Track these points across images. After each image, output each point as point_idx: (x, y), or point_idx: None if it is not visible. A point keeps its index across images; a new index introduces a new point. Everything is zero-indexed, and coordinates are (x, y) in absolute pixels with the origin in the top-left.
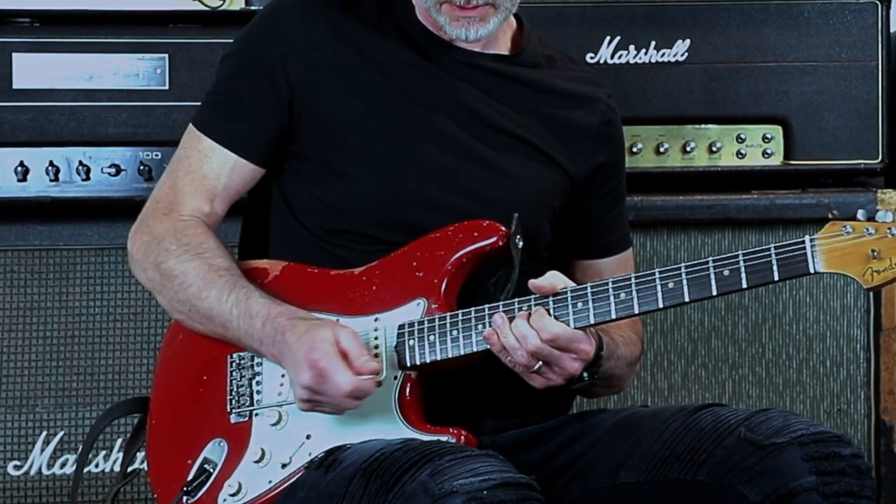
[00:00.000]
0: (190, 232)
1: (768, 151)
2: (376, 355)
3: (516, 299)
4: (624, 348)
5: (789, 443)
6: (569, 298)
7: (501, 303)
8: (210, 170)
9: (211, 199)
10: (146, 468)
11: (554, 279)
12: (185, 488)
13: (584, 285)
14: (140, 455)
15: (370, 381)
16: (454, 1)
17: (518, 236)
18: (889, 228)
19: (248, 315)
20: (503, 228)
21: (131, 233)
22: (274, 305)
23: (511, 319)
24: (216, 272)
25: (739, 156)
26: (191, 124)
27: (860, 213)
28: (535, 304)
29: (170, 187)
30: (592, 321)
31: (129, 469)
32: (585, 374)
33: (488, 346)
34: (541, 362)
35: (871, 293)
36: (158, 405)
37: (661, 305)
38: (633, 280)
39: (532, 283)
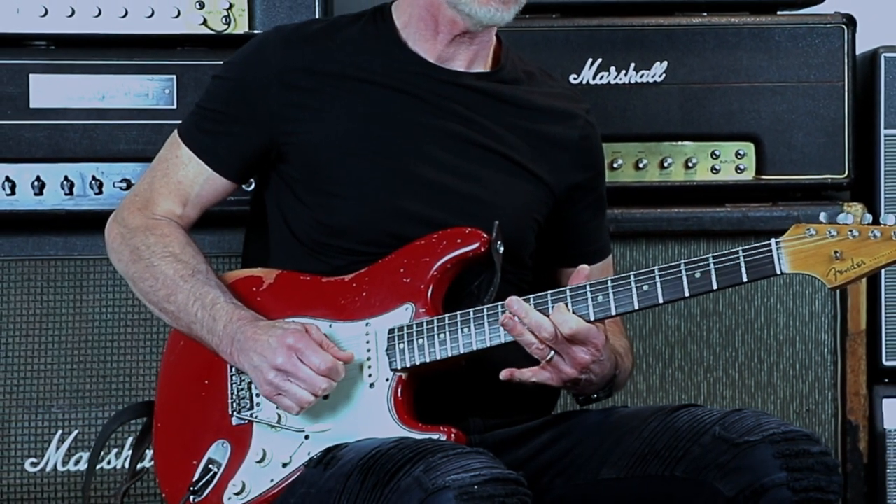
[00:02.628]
0: (159, 231)
1: (741, 167)
2: (368, 359)
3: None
4: (626, 359)
5: (761, 441)
6: (549, 300)
7: (486, 306)
8: (185, 177)
9: (183, 204)
10: (153, 465)
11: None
12: (191, 488)
13: (563, 288)
14: (148, 454)
15: (342, 366)
16: None
17: (499, 242)
18: (850, 230)
19: (212, 318)
20: (485, 235)
21: (109, 220)
22: (238, 310)
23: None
24: (183, 277)
25: (714, 171)
26: (176, 130)
27: (822, 216)
28: (537, 301)
29: (148, 184)
30: None
31: (137, 468)
32: (601, 394)
33: (474, 349)
34: (553, 352)
35: (838, 300)
36: (163, 409)
37: (636, 307)
38: (609, 283)
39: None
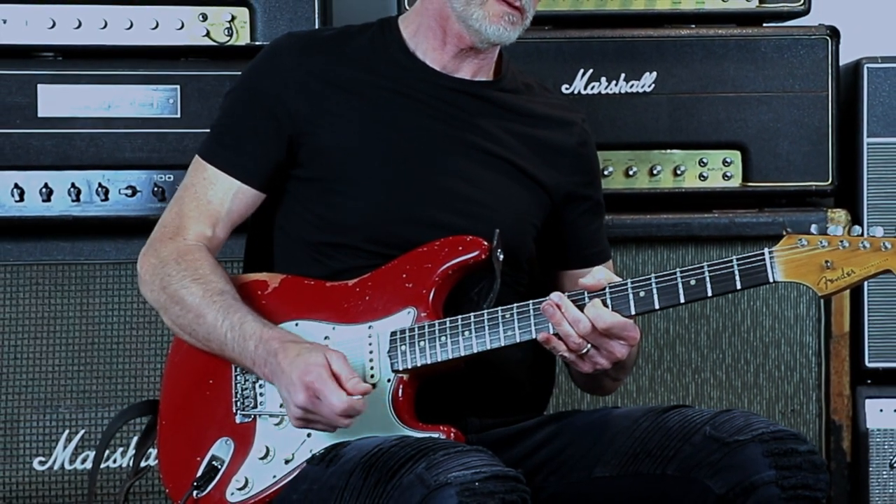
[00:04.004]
0: (190, 257)
1: (728, 174)
2: (370, 360)
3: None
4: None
5: (751, 440)
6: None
7: (486, 311)
8: (214, 196)
9: (213, 224)
10: (157, 463)
11: (600, 275)
12: (195, 483)
13: (563, 293)
14: (152, 452)
15: (361, 400)
16: None
17: (499, 250)
18: (840, 241)
19: (242, 338)
20: (485, 243)
21: (141, 255)
22: (266, 329)
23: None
24: (211, 298)
25: (702, 178)
26: (197, 155)
27: (814, 228)
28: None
29: (176, 213)
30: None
31: (141, 465)
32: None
33: (473, 351)
34: (590, 345)
35: (822, 303)
36: (167, 407)
37: (633, 312)
38: (607, 290)
39: (581, 282)
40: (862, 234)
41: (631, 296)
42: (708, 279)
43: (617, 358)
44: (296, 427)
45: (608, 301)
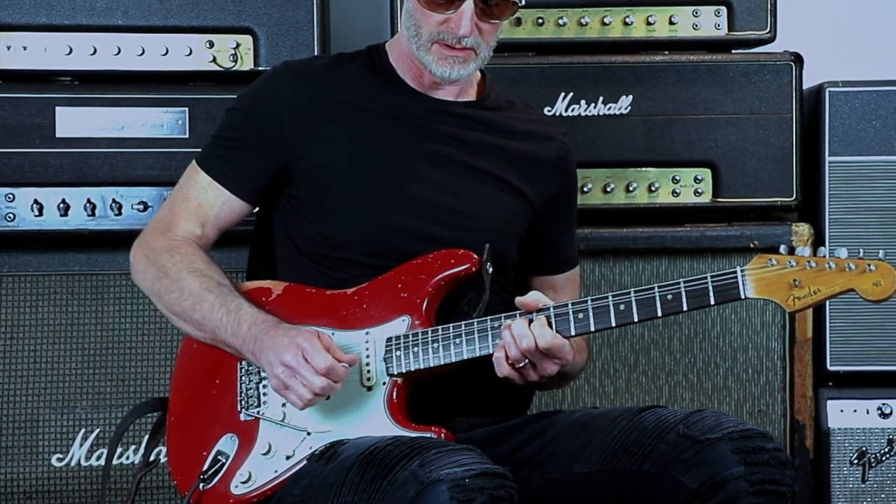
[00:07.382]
0: (182, 250)
1: (699, 191)
2: (367, 364)
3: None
4: (577, 355)
5: (721, 438)
6: (533, 315)
7: (476, 320)
8: (205, 200)
9: (202, 224)
10: (166, 459)
11: (536, 296)
12: (201, 476)
13: (547, 306)
14: (161, 449)
15: (344, 368)
16: (445, 40)
17: (489, 263)
18: (808, 261)
19: (237, 322)
20: (476, 256)
21: (134, 245)
22: (261, 314)
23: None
24: (209, 287)
25: (674, 194)
26: (194, 160)
27: (782, 248)
28: (521, 317)
29: (169, 210)
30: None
31: (151, 459)
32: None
33: (464, 358)
34: (527, 360)
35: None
36: (176, 405)
37: (613, 325)
38: (589, 303)
39: (518, 300)
40: (828, 256)
41: (612, 309)
42: (684, 294)
43: (547, 374)
44: (274, 389)
45: (589, 313)
